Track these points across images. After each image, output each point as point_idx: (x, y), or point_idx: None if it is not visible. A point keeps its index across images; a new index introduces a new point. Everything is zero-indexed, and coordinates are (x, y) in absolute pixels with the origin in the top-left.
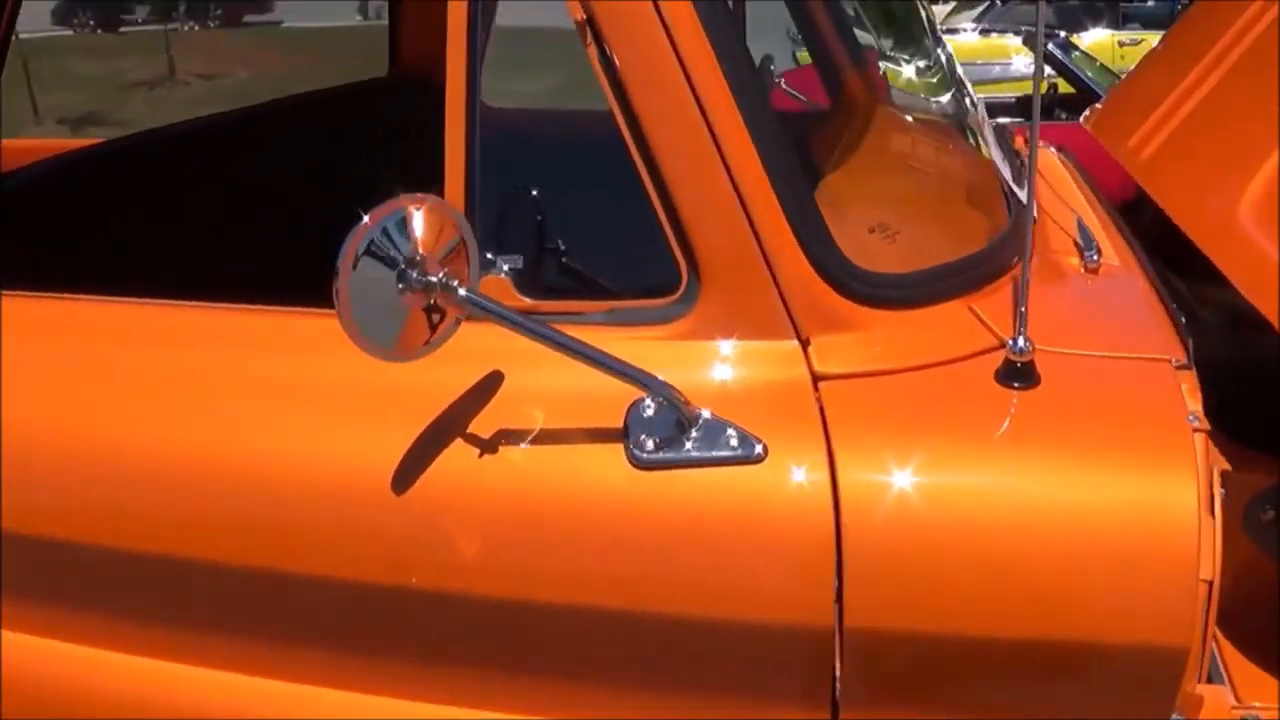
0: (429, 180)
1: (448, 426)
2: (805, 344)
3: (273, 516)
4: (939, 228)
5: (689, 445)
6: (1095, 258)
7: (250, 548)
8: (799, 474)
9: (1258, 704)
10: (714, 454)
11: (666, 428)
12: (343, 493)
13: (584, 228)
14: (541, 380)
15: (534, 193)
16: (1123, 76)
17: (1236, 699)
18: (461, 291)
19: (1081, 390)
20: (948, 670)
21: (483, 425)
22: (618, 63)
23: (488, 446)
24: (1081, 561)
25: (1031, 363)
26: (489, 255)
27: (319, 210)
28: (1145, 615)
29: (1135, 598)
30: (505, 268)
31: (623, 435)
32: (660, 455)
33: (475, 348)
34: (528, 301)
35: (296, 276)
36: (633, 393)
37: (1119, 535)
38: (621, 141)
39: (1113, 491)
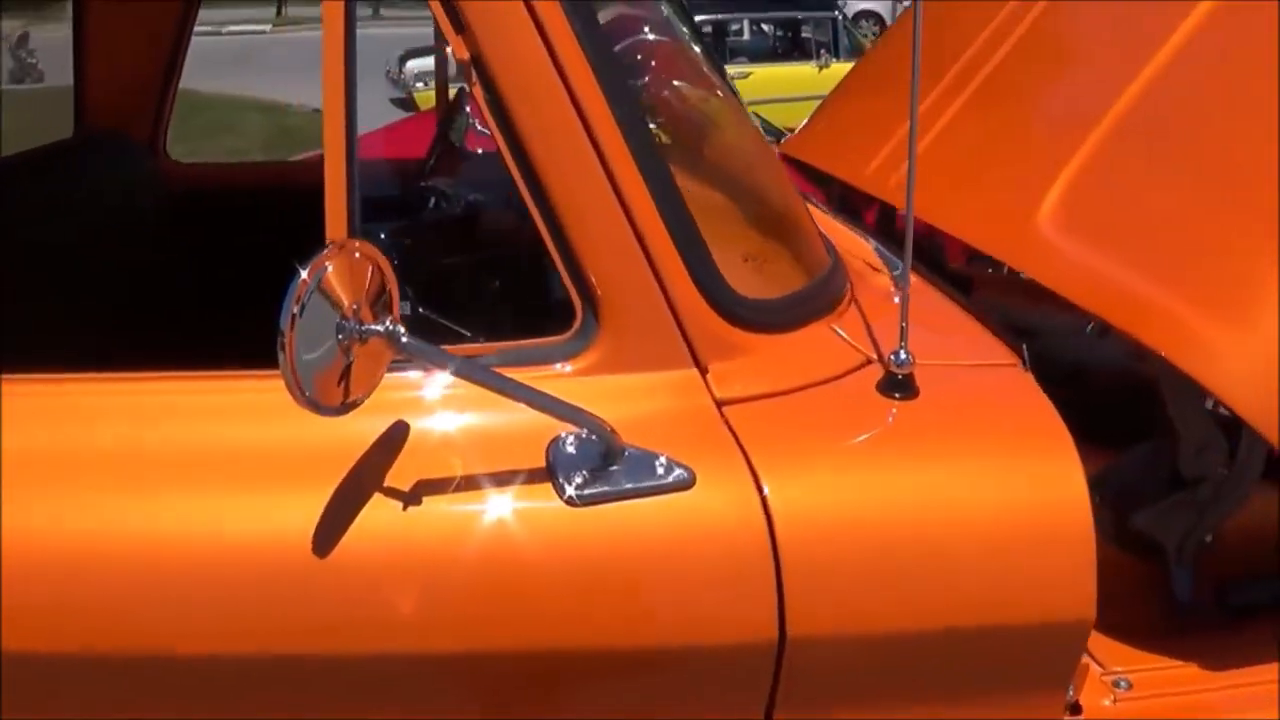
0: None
1: (361, 483)
2: (704, 372)
3: (189, 594)
4: (789, 255)
5: (620, 477)
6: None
7: (167, 629)
8: (729, 495)
9: (1119, 668)
10: (646, 484)
11: (593, 462)
12: (260, 564)
13: (439, 272)
14: (447, 425)
15: (382, 235)
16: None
17: (1102, 666)
18: (405, 339)
19: (956, 396)
20: (877, 665)
21: (399, 478)
22: (506, 99)
23: (409, 499)
24: (996, 548)
25: (912, 375)
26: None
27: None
28: (1056, 592)
29: (1046, 577)
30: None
31: (549, 473)
32: (592, 490)
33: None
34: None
35: None
36: (542, 431)
37: (1026, 521)
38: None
39: (1015, 482)
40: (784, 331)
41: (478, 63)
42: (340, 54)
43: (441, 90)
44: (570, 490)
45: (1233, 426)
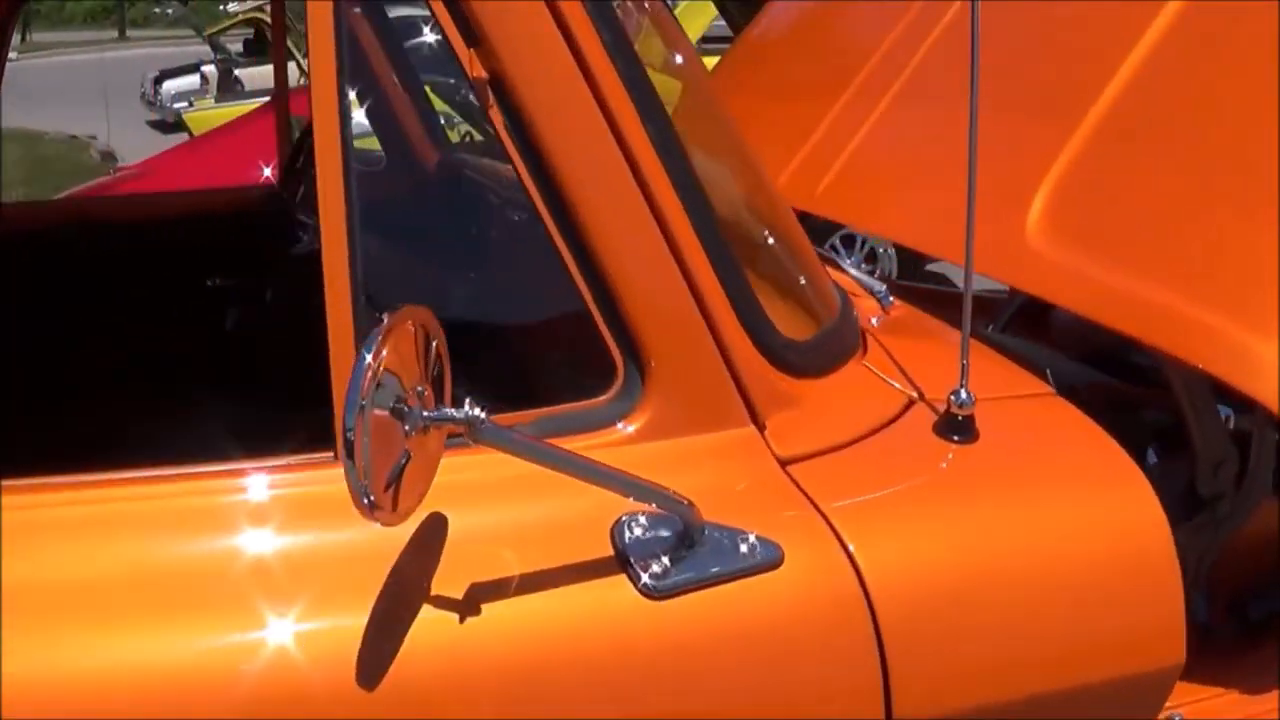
0: None
1: (404, 594)
2: (762, 429)
3: None
4: (811, 290)
5: (702, 561)
6: (889, 301)
7: None
8: (821, 570)
9: (1169, 705)
10: (733, 566)
11: (668, 544)
12: (299, 701)
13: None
14: (491, 517)
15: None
16: None
17: None
18: (485, 425)
19: (1013, 433)
20: None
21: (446, 584)
22: (536, 126)
23: (464, 607)
24: (1092, 596)
25: (972, 416)
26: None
27: None
28: (1150, 635)
29: (1140, 621)
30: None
31: (620, 562)
32: (675, 578)
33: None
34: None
35: None
36: (601, 513)
37: (1116, 565)
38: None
39: (1100, 524)
40: (825, 375)
41: (498, 83)
42: (332, 82)
43: (283, 107)
44: (646, 579)
45: (1244, 441)
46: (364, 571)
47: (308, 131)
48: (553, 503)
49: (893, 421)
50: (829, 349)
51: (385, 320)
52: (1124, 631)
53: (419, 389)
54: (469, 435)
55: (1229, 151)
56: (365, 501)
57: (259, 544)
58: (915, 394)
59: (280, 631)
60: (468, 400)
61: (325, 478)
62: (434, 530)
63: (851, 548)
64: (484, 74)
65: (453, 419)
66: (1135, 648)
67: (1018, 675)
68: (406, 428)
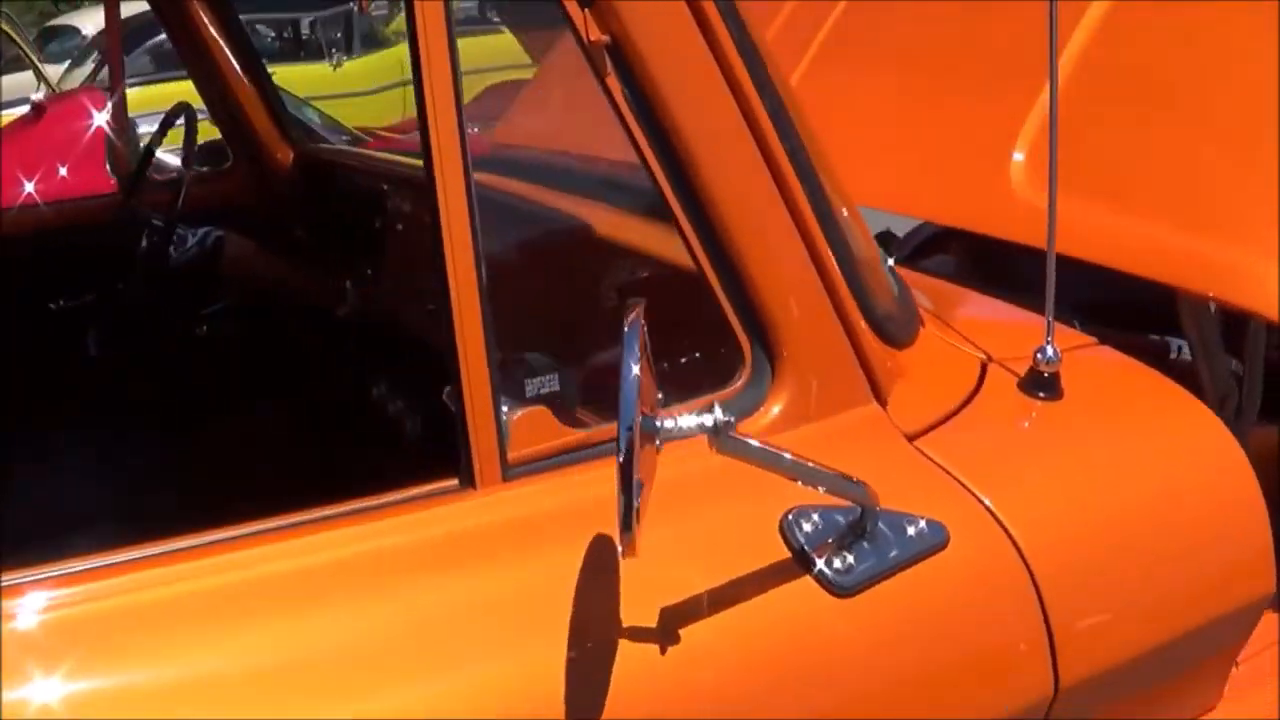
0: None
1: (598, 632)
2: (884, 405)
3: None
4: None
5: (882, 549)
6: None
7: None
8: (983, 543)
9: None
10: (911, 551)
11: (845, 537)
12: None
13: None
14: (652, 533)
15: None
16: None
17: None
18: (732, 433)
19: (1089, 388)
20: (1122, 683)
21: (637, 613)
22: (662, 96)
23: (662, 637)
24: (1200, 538)
25: (1058, 373)
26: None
27: None
28: (1251, 569)
29: (1241, 557)
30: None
31: (802, 562)
32: (862, 570)
33: (520, 514)
34: (578, 432)
35: None
36: (758, 511)
37: (1215, 506)
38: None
39: (1192, 470)
40: (911, 345)
41: (618, 48)
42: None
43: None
44: (833, 576)
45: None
46: (542, 611)
47: (159, 135)
48: (708, 508)
49: (980, 384)
50: (911, 318)
51: (631, 315)
52: (1227, 567)
53: (657, 396)
54: (715, 444)
55: (1208, 82)
56: (628, 536)
57: (413, 598)
58: (984, 355)
59: (465, 687)
60: (715, 405)
61: (454, 513)
62: (603, 556)
63: (1001, 516)
64: (603, 37)
65: (704, 428)
66: (1237, 582)
67: (1157, 621)
68: (658, 442)
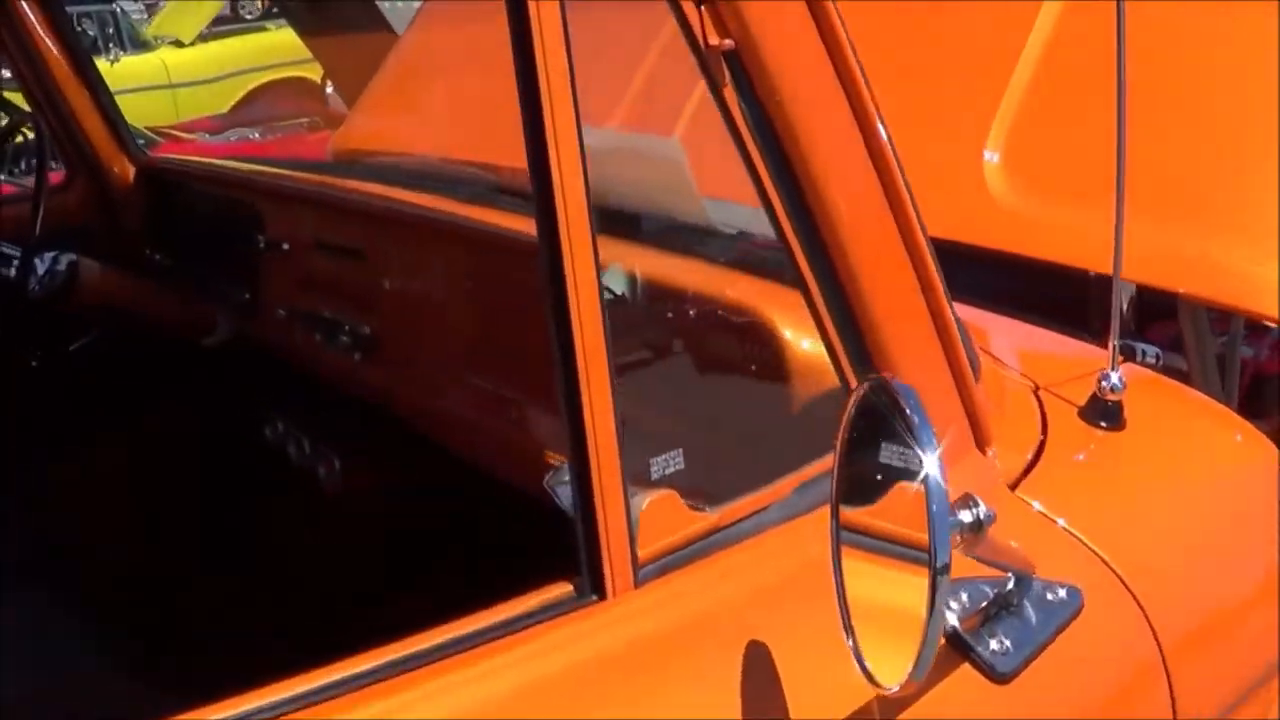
0: None
1: None
2: (984, 451)
3: None
4: None
5: (1034, 623)
6: None
7: None
8: (1109, 598)
9: None
10: (1057, 620)
11: (993, 613)
12: None
13: None
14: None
15: None
16: None
17: None
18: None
19: (1145, 415)
20: None
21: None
22: (783, 108)
23: None
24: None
25: (1121, 401)
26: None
27: None
28: None
29: None
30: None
31: (954, 645)
32: (1020, 653)
33: (661, 627)
34: (711, 515)
35: None
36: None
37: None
38: None
39: (1254, 493)
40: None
41: (742, 56)
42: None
43: None
44: (992, 660)
45: None
46: None
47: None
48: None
49: (1044, 418)
50: (973, 346)
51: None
52: None
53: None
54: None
55: (1203, 81)
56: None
57: None
58: (1032, 382)
59: None
60: (977, 498)
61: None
62: (760, 661)
63: (1121, 572)
64: (724, 42)
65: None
66: None
67: (1254, 652)
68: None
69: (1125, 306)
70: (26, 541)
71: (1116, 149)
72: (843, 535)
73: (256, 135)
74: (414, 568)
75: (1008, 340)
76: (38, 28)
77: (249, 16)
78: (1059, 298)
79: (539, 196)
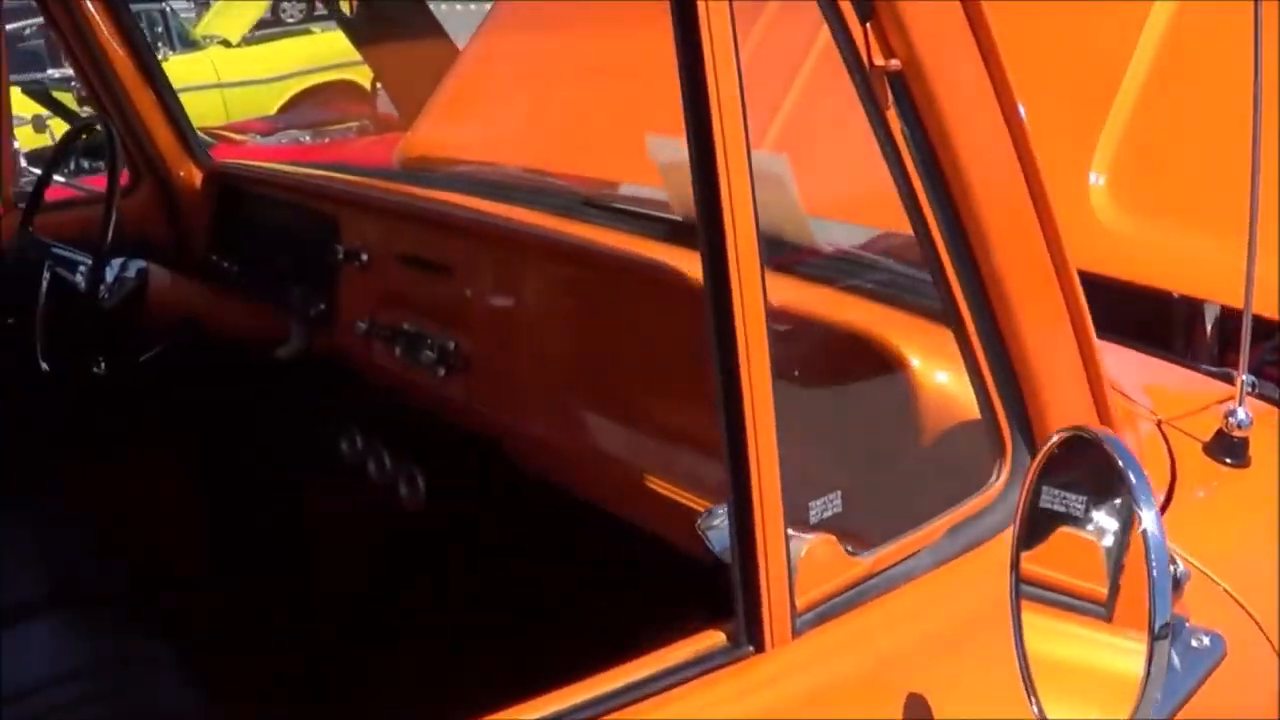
0: None
1: None
2: None
3: None
4: None
5: (1181, 673)
6: None
7: None
8: (1250, 645)
9: None
10: (1201, 672)
11: None
12: None
13: None
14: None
15: None
16: None
17: None
18: None
19: (1272, 452)
20: None
21: None
22: (947, 132)
23: None
24: None
25: (1248, 439)
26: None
27: None
28: None
29: None
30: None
31: None
32: (1170, 703)
33: (822, 681)
34: (865, 561)
35: None
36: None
37: None
38: None
39: None
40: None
41: (906, 76)
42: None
43: None
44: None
45: None
46: None
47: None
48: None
49: (1171, 454)
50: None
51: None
52: None
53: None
54: None
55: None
56: None
57: None
58: (1154, 415)
59: None
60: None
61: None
62: (920, 714)
63: (1252, 610)
64: (890, 64)
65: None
66: None
67: None
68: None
69: (1210, 330)
70: (91, 555)
71: (1251, 170)
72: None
73: (308, 138)
74: (509, 593)
75: (1121, 368)
76: (103, 28)
77: (290, 20)
78: (1137, 317)
79: (706, 231)
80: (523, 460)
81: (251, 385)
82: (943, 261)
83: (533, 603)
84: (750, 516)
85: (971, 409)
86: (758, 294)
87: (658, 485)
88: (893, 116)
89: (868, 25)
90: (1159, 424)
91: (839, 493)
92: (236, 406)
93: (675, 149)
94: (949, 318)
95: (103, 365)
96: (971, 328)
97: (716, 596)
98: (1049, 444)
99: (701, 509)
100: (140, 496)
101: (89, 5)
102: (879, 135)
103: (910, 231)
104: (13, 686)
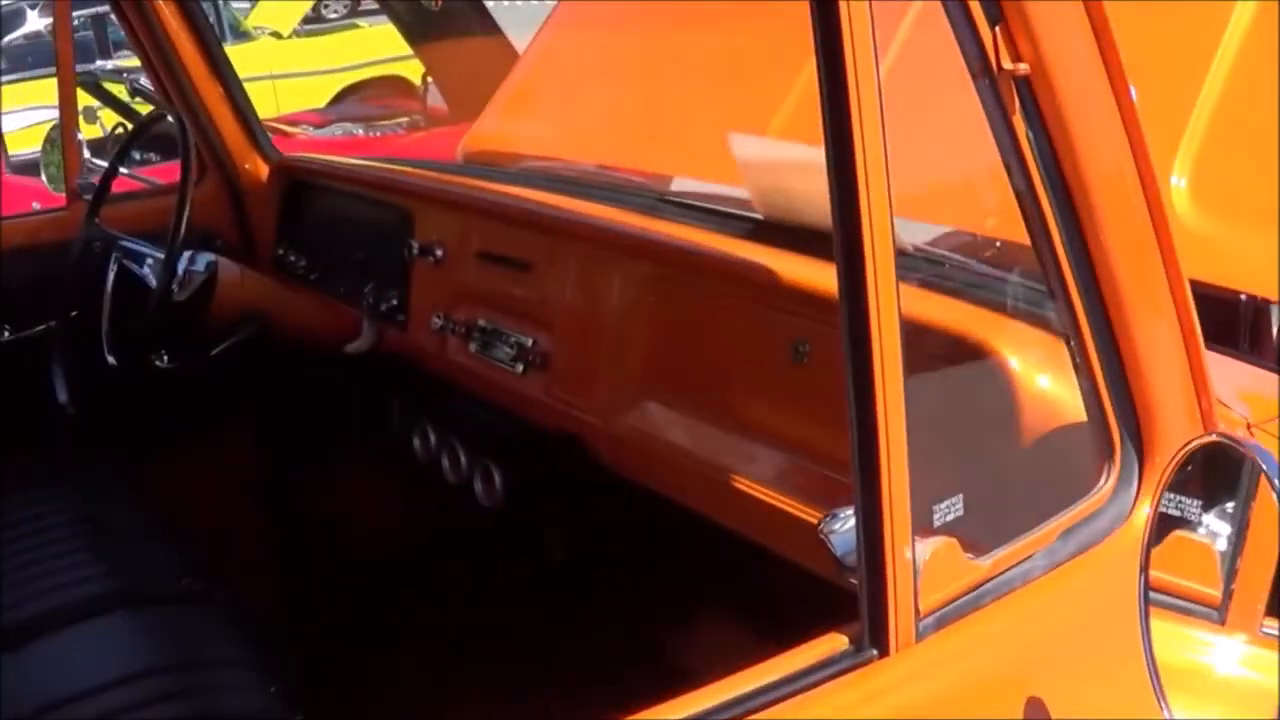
0: None
1: None
2: None
3: None
4: None
5: None
6: None
7: None
8: None
9: None
10: None
11: None
12: None
13: None
14: None
15: None
16: None
17: None
18: None
19: None
20: None
21: None
22: (1074, 140)
23: None
24: None
25: None
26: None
27: None
28: None
29: None
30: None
31: None
32: None
33: (946, 686)
34: (984, 564)
35: None
36: None
37: None
38: None
39: None
40: None
41: (1032, 81)
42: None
43: None
44: None
45: None
46: None
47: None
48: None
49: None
50: None
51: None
52: None
53: None
54: None
55: None
56: None
57: None
58: (1245, 418)
59: None
60: None
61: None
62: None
63: None
64: (1019, 68)
65: None
66: None
67: None
68: None
69: (1277, 331)
70: (159, 552)
71: None
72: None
73: (360, 131)
74: (591, 593)
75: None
76: (171, 20)
77: (332, 16)
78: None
79: (842, 236)
80: (603, 458)
81: (321, 380)
82: (1062, 269)
83: (615, 604)
84: (880, 521)
85: (1071, 412)
86: (892, 298)
87: (741, 484)
88: (1018, 121)
89: (996, 29)
90: (1249, 428)
91: (960, 496)
92: (306, 402)
93: (760, 147)
94: (1064, 324)
95: (165, 358)
96: (1088, 334)
97: (796, 596)
98: (1184, 450)
99: (781, 506)
100: (209, 493)
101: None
102: (1001, 140)
103: (977, 233)
104: (80, 685)
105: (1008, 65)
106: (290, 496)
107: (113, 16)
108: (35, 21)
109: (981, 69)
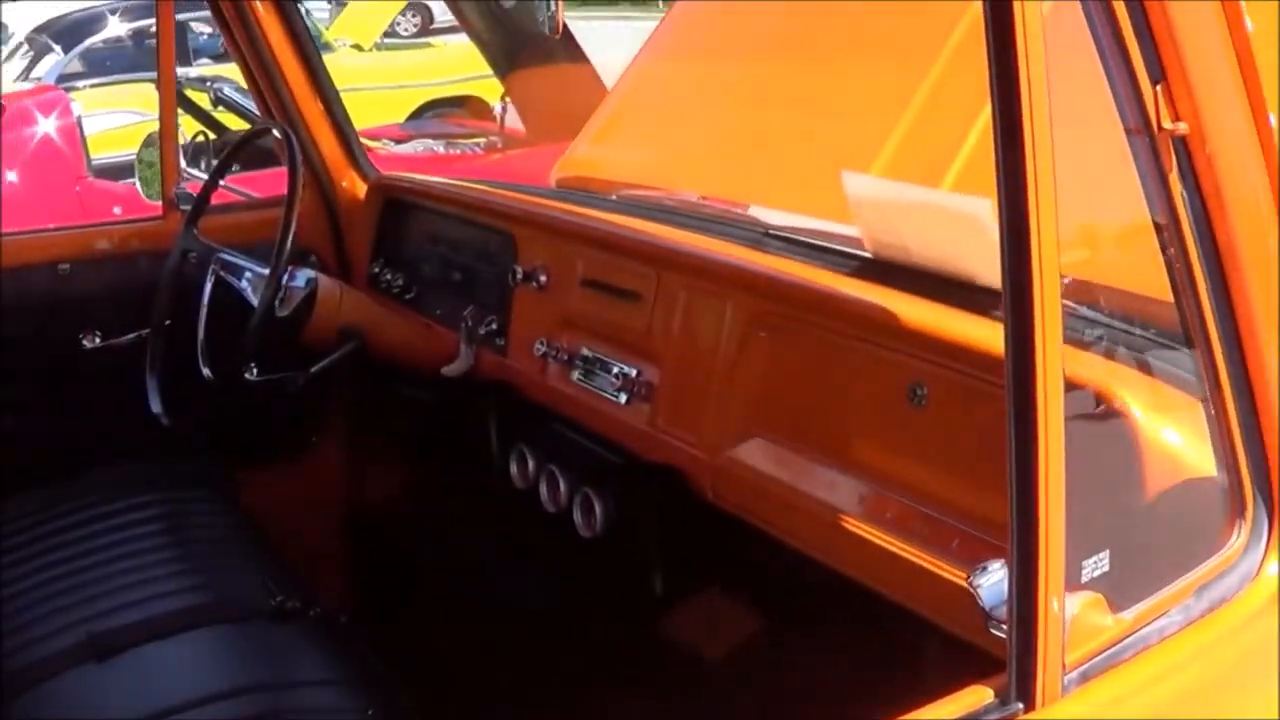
0: None
1: None
2: None
3: None
4: None
5: None
6: None
7: None
8: None
9: None
10: None
11: None
12: None
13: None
14: None
15: None
16: None
17: None
18: None
19: None
20: None
21: None
22: (1224, 198)
23: None
24: None
25: None
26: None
27: None
28: None
29: None
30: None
31: None
32: None
33: None
34: (1125, 619)
35: None
36: None
37: None
38: None
39: None
40: None
41: (1189, 141)
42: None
43: None
44: None
45: None
46: None
47: (233, 154)
48: None
49: None
50: None
51: None
52: None
53: None
54: None
55: None
56: None
57: None
58: None
59: None
60: None
61: None
62: None
63: None
64: (1179, 127)
65: None
66: None
67: None
68: None
69: None
70: (250, 569)
71: None
72: None
73: (441, 148)
74: (693, 628)
75: None
76: (272, 30)
77: (404, 34)
78: None
79: (1011, 290)
80: (706, 493)
81: (417, 401)
82: (1206, 326)
83: (717, 640)
84: (1034, 574)
85: (1196, 467)
86: (1057, 351)
87: (854, 527)
88: (1174, 180)
89: (1158, 87)
90: None
91: (1108, 552)
92: (401, 422)
93: (873, 186)
94: (1204, 382)
95: (255, 372)
96: (1228, 391)
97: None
98: None
99: (899, 552)
100: (300, 510)
101: (260, 8)
102: (1154, 198)
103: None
104: (167, 702)
105: (1168, 124)
106: (383, 517)
107: (191, 25)
108: (116, 26)
109: (1140, 126)
